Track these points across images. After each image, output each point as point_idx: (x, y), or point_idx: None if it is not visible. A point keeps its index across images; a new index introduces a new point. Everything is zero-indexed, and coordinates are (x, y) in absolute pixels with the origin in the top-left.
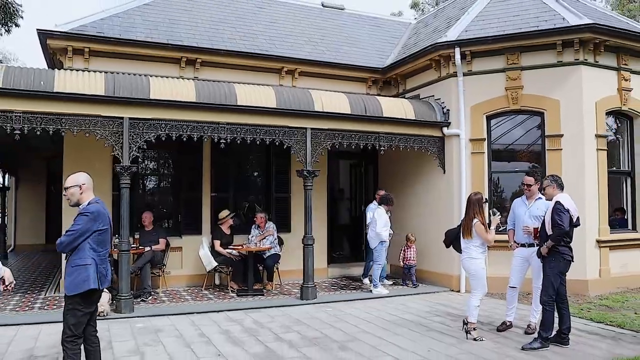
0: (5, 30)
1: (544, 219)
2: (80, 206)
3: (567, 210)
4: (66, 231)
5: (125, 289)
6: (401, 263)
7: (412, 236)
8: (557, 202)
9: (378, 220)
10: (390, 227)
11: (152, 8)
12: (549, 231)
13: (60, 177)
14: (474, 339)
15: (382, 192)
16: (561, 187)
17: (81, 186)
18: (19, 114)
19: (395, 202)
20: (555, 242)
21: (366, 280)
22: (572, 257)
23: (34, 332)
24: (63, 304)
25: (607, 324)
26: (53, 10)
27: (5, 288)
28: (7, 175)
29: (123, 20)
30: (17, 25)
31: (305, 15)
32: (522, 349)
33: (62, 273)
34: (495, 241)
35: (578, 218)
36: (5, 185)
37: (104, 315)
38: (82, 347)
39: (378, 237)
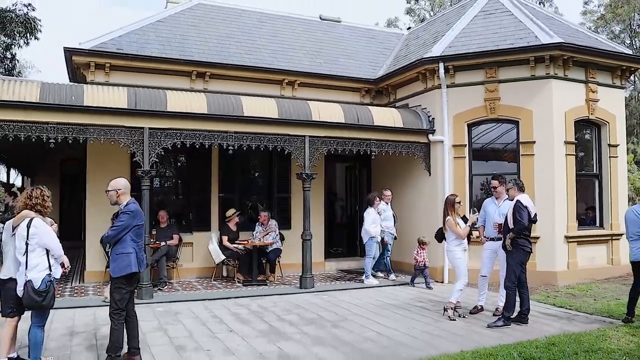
0: (25, 43)
1: (506, 216)
2: (120, 205)
3: (526, 207)
4: (111, 227)
5: (145, 278)
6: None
7: (424, 238)
8: (518, 201)
9: (366, 219)
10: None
11: (164, 24)
12: (511, 226)
13: (74, 178)
14: (449, 317)
15: (387, 192)
16: (521, 189)
17: (117, 191)
18: (53, 125)
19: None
20: (516, 234)
21: (392, 275)
22: (530, 249)
23: (70, 314)
24: (89, 292)
25: (567, 308)
26: (60, 19)
27: (64, 270)
28: (25, 177)
29: (139, 37)
30: (37, 38)
31: (304, 28)
32: (488, 326)
33: (86, 265)
34: (477, 237)
35: (535, 214)
36: (24, 187)
37: (105, 300)
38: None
39: (367, 234)
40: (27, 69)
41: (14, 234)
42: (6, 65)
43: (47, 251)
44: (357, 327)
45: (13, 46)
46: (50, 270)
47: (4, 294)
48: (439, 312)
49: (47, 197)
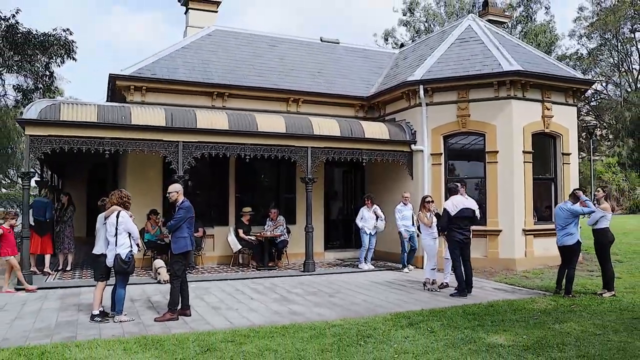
0: (61, 62)
1: None
2: (177, 203)
3: (445, 209)
4: (173, 218)
5: None
6: None
7: None
8: (444, 205)
9: (358, 215)
10: (380, 221)
11: (188, 50)
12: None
13: (101, 181)
14: (428, 289)
15: (406, 194)
16: (454, 192)
17: (177, 192)
18: (108, 140)
19: (375, 199)
20: (442, 231)
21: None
22: (460, 239)
23: None
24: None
25: (515, 286)
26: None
27: (139, 249)
28: (59, 179)
29: (168, 62)
30: (74, 59)
31: (307, 50)
32: (451, 295)
33: None
34: None
35: (460, 210)
36: (60, 188)
37: (164, 282)
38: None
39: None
40: (58, 81)
41: (105, 222)
42: (44, 81)
43: (129, 234)
44: (347, 297)
45: (51, 65)
46: (131, 247)
47: (96, 265)
48: (413, 288)
49: (130, 197)
